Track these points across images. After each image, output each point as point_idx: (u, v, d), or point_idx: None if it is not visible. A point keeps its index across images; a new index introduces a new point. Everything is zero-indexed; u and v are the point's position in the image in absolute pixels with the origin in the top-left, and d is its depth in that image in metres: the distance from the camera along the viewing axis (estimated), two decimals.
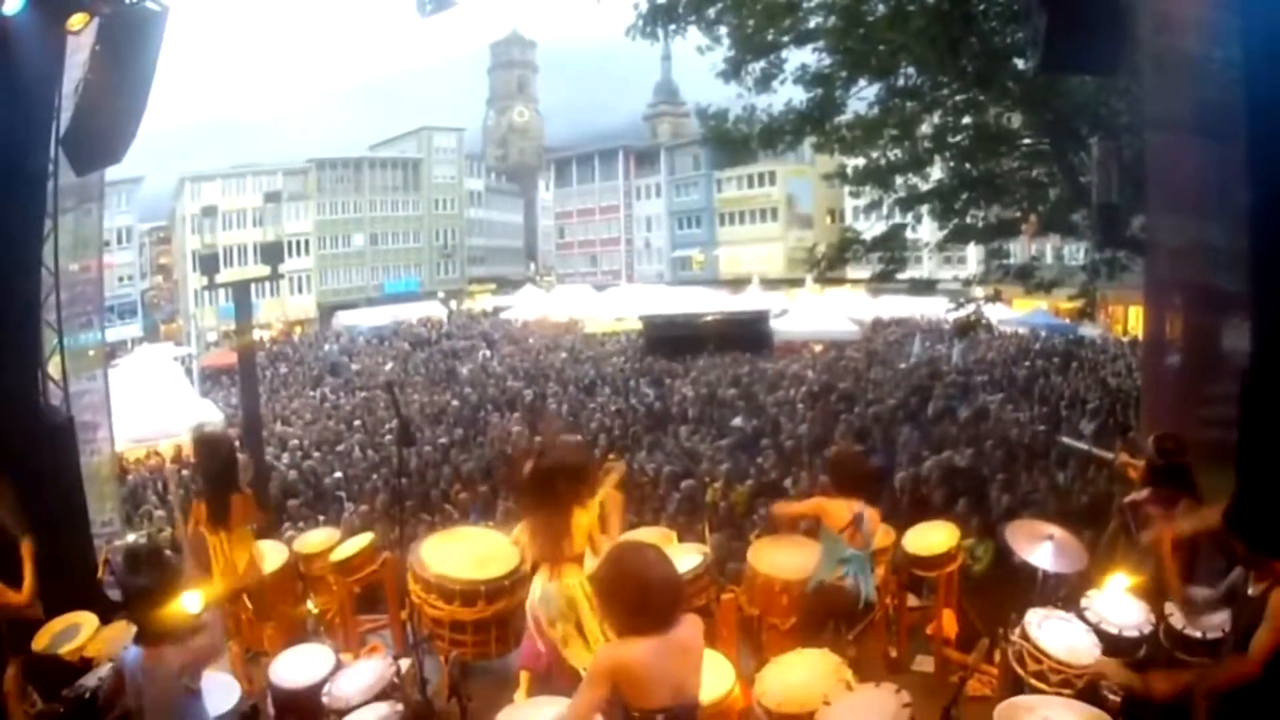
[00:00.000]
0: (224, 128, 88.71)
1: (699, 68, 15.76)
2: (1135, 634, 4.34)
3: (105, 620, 5.11)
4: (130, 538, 8.85)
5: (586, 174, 58.82)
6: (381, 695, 4.31)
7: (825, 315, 29.34)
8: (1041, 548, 5.07)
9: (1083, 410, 14.90)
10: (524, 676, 4.66)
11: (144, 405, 16.13)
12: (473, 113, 73.99)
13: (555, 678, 4.38)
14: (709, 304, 34.78)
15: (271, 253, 22.94)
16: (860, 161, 17.12)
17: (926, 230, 18.36)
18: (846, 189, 20.84)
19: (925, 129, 16.13)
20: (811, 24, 14.62)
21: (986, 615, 5.46)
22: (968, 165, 15.93)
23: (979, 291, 18.02)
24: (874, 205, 17.03)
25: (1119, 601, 4.52)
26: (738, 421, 15.50)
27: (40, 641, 4.99)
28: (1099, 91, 12.49)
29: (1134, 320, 25.72)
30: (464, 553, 5.17)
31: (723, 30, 14.64)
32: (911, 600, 5.99)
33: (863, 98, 15.39)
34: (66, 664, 4.74)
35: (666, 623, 2.98)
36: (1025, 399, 16.71)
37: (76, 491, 6.88)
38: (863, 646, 5.07)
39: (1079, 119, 13.07)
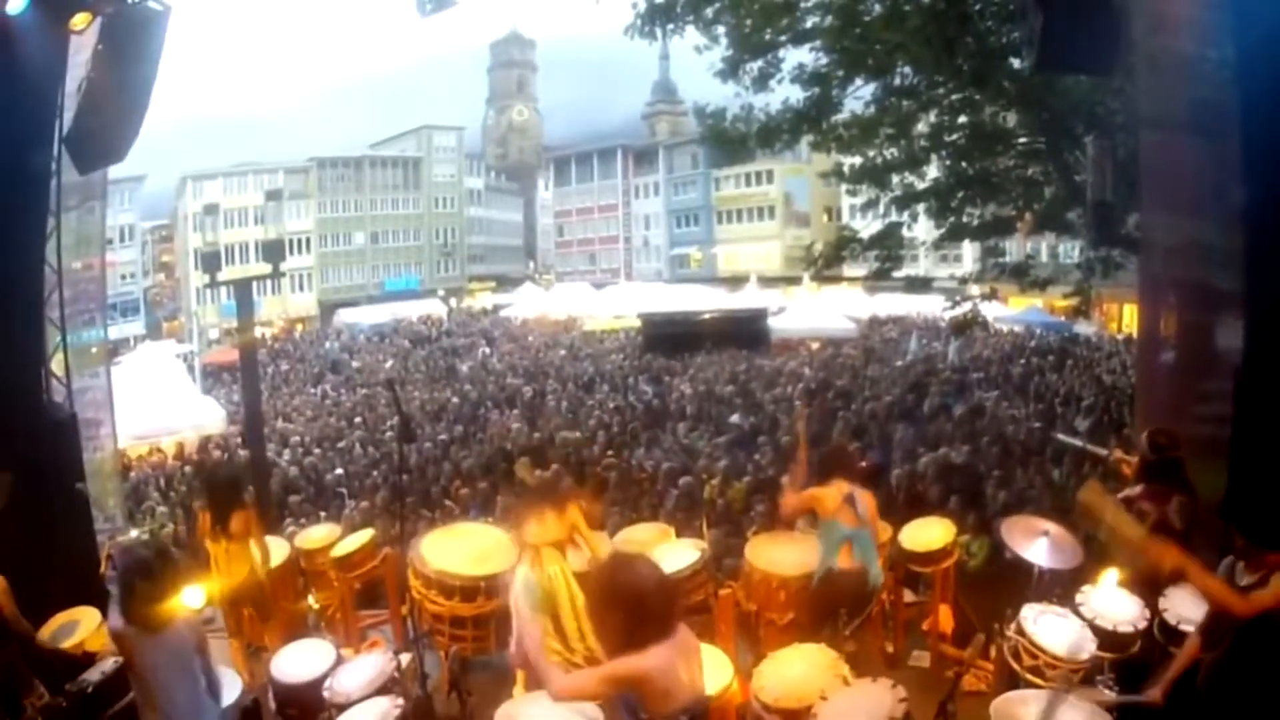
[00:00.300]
0: (226, 127, 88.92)
1: (697, 67, 15.76)
2: (1130, 629, 4.39)
3: (107, 615, 5.13)
4: (133, 534, 8.86)
5: (585, 172, 58.82)
6: (382, 690, 4.34)
7: (822, 313, 29.34)
8: (1037, 544, 5.10)
9: (1078, 407, 14.93)
10: (520, 674, 4.70)
11: (146, 402, 16.11)
12: (472, 112, 74.21)
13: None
14: (707, 302, 34.80)
15: (273, 251, 22.99)
16: (857, 160, 17.09)
17: (923, 228, 18.33)
18: (843, 187, 20.85)
19: (921, 128, 16.14)
20: (808, 24, 14.61)
21: (983, 611, 5.52)
22: (964, 164, 15.93)
23: (975, 289, 18.03)
24: (870, 204, 17.02)
25: (1114, 596, 4.57)
26: (735, 418, 15.53)
27: (42, 636, 5.02)
28: (1094, 91, 12.51)
29: (1128, 318, 25.78)
30: (464, 549, 5.21)
31: (720, 30, 14.62)
32: (908, 596, 6.04)
33: (859, 97, 15.39)
34: (71, 658, 4.76)
35: (669, 628, 2.99)
36: (1021, 396, 16.74)
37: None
38: (860, 642, 5.08)
39: (1074, 118, 13.10)
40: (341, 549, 6.21)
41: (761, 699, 4.06)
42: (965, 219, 16.54)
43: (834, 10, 14.16)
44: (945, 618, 5.77)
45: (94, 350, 8.74)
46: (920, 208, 16.65)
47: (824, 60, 14.84)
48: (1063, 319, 24.30)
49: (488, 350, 31.76)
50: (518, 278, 56.35)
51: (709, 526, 7.33)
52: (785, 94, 15.29)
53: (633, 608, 2.94)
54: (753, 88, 14.99)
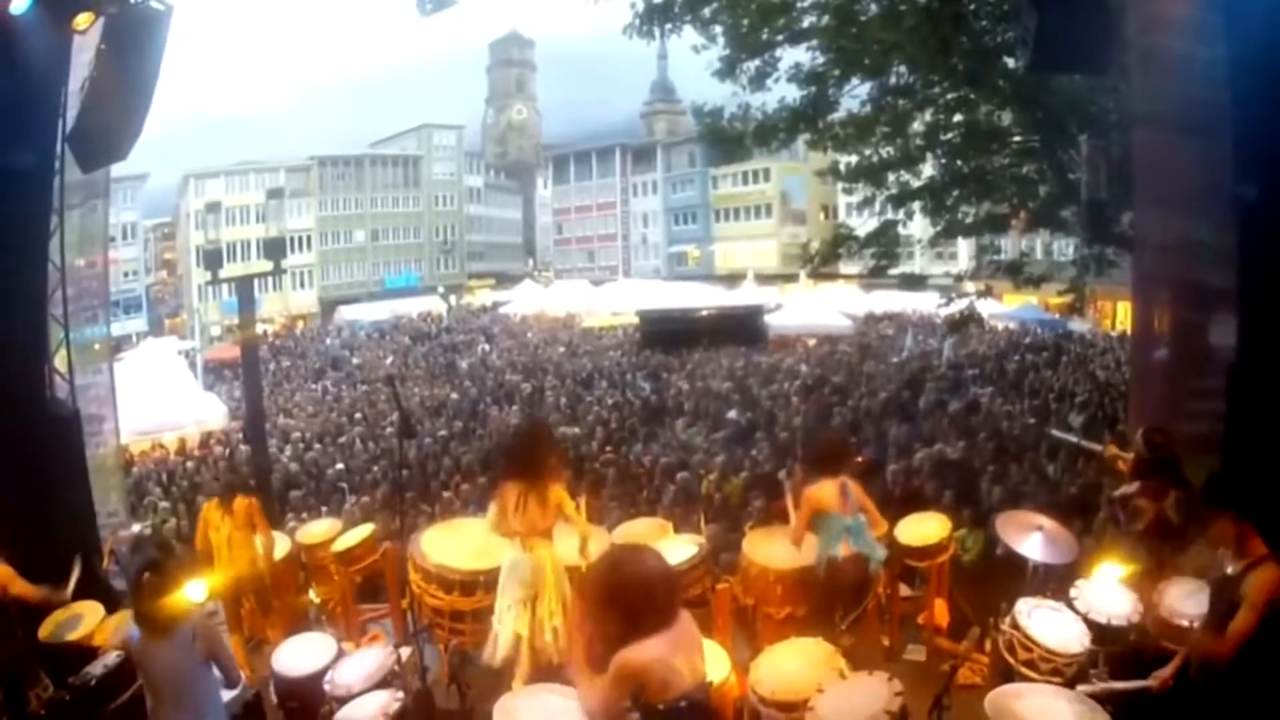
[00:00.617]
0: (227, 125, 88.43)
1: (695, 66, 15.78)
2: (1124, 623, 4.42)
3: (110, 609, 5.16)
4: (135, 528, 8.88)
5: (584, 171, 58.87)
6: (382, 683, 4.36)
7: (819, 310, 29.37)
8: (1031, 538, 5.15)
9: (1072, 403, 14.98)
10: (519, 669, 4.72)
11: (149, 398, 16.16)
12: (472, 110, 74.17)
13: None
14: (704, 299, 34.79)
15: (274, 248, 23.09)
16: (853, 158, 17.13)
17: (918, 226, 18.36)
18: (840, 186, 20.84)
19: (917, 126, 16.16)
20: (805, 23, 14.64)
21: (978, 605, 5.53)
22: (959, 162, 15.96)
23: (970, 287, 18.10)
24: (867, 202, 17.03)
25: (1108, 590, 4.60)
26: (733, 414, 15.55)
27: (45, 630, 5.05)
28: (1088, 90, 12.56)
29: (1122, 315, 25.89)
30: (463, 543, 5.24)
31: (718, 29, 14.65)
32: (904, 590, 6.05)
33: (855, 96, 15.44)
34: (74, 651, 4.79)
35: (670, 618, 3.01)
36: (1015, 392, 16.78)
37: (82, 482, 6.96)
38: (856, 635, 5.11)
39: (1068, 117, 13.14)
40: (342, 544, 6.23)
41: (759, 692, 4.09)
42: (960, 217, 16.58)
43: (830, 10, 14.20)
44: (941, 612, 5.81)
45: (97, 347, 8.74)
46: (916, 206, 16.68)
47: (820, 60, 14.87)
48: (1057, 316, 24.46)
49: (487, 347, 31.80)
50: (517, 275, 56.45)
51: (706, 521, 7.35)
52: (782, 93, 15.34)
53: (638, 599, 2.95)
54: (750, 87, 15.02)
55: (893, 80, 14.90)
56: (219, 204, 45.90)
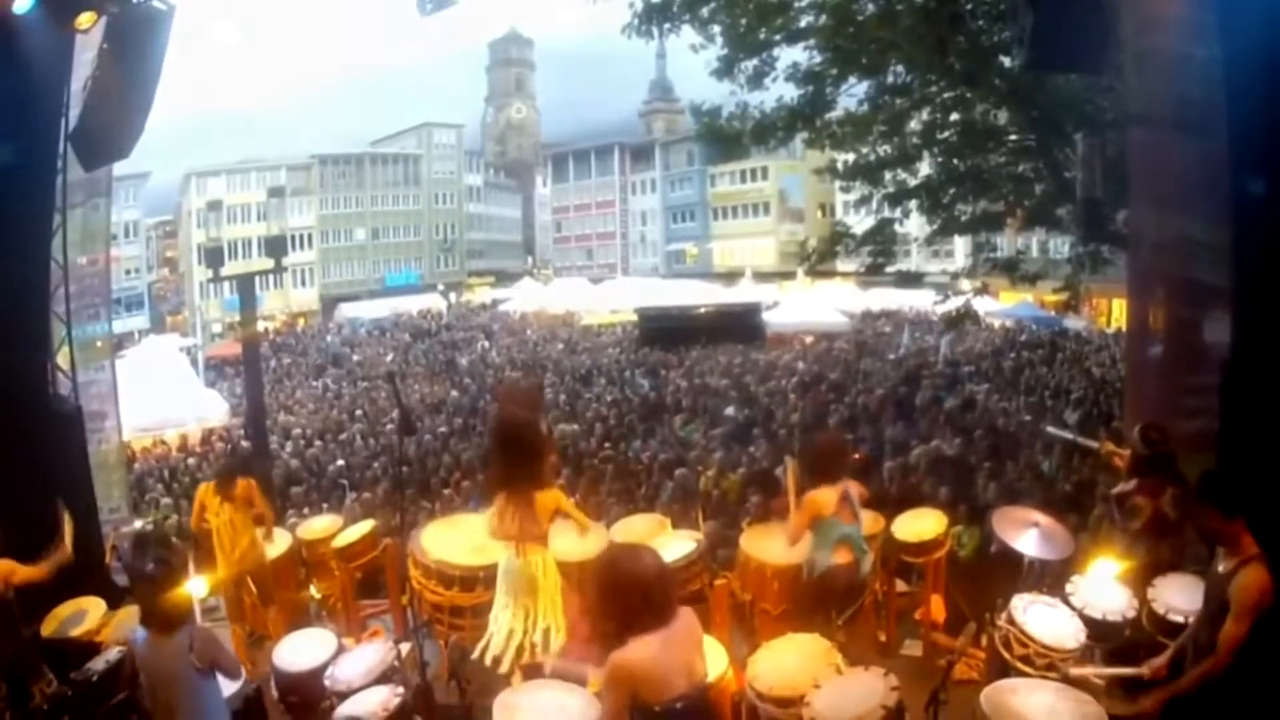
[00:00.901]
0: (229, 124, 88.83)
1: (693, 65, 15.87)
2: (1119, 619, 4.44)
3: (112, 605, 5.18)
4: (137, 524, 8.91)
5: (583, 169, 59.08)
6: (382, 678, 4.37)
7: (816, 307, 29.40)
8: (1027, 534, 5.17)
9: (1067, 400, 15.05)
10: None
11: (150, 395, 16.16)
12: (472, 109, 74.61)
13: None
14: (702, 296, 34.83)
15: (275, 246, 23.03)
16: (850, 157, 17.17)
17: (915, 224, 18.41)
18: (837, 184, 20.87)
19: (914, 125, 16.19)
20: (803, 23, 14.66)
21: (974, 600, 5.57)
22: (955, 161, 15.98)
23: (966, 284, 18.13)
24: (864, 200, 17.06)
25: (1103, 586, 4.62)
26: (730, 411, 15.60)
27: (49, 626, 5.07)
28: (1084, 89, 12.58)
29: (1117, 312, 25.97)
30: (463, 539, 5.24)
31: (716, 29, 14.68)
32: (900, 586, 6.09)
33: (853, 95, 15.48)
34: (76, 646, 4.81)
35: (668, 616, 3.04)
36: (1011, 389, 16.85)
37: (84, 479, 6.99)
38: (852, 631, 5.13)
39: (1064, 116, 13.16)
40: (343, 539, 6.25)
41: (756, 687, 4.11)
42: (957, 215, 16.61)
43: (828, 10, 14.21)
44: (937, 607, 5.85)
45: (99, 344, 8.75)
46: (913, 204, 16.70)
47: (818, 59, 14.90)
48: (1053, 313, 24.53)
49: (486, 344, 31.83)
50: (516, 273, 56.65)
51: (704, 518, 7.36)
52: (780, 92, 15.37)
53: (634, 596, 2.99)
54: (748, 86, 15.05)
55: (890, 79, 14.95)
56: (220, 202, 46.10)
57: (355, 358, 30.20)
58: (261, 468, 10.36)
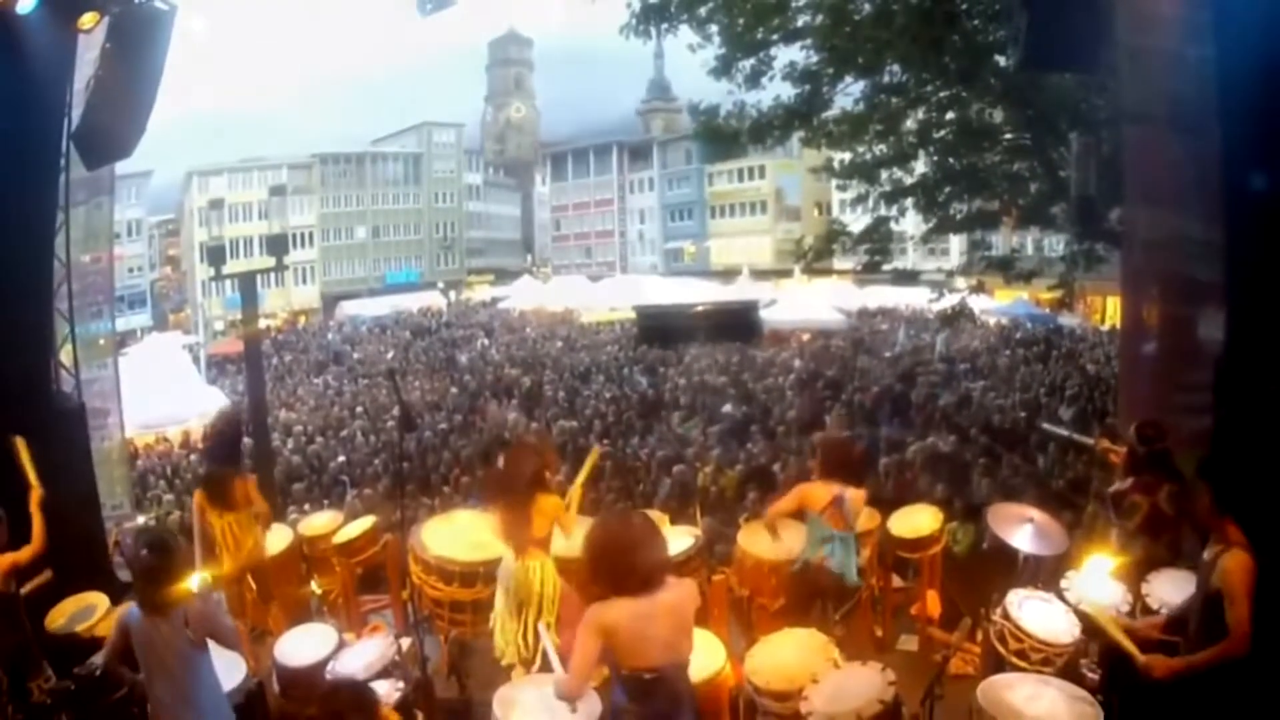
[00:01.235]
0: (230, 123, 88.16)
1: (691, 65, 15.92)
2: (1113, 613, 4.48)
3: (115, 600, 5.20)
4: (140, 520, 8.94)
5: (582, 168, 59.05)
6: (383, 673, 4.40)
7: (813, 305, 29.35)
8: (1022, 530, 5.21)
9: (1062, 397, 15.10)
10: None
11: (153, 392, 16.15)
12: (471, 109, 74.52)
13: None
14: (700, 294, 34.66)
15: (276, 244, 23.06)
16: (847, 156, 17.19)
17: (911, 223, 18.42)
18: (833, 183, 20.94)
19: (910, 124, 16.20)
20: (800, 22, 14.70)
21: (969, 596, 5.58)
22: (951, 160, 16.00)
23: (962, 282, 18.18)
24: (860, 199, 17.08)
25: (1097, 582, 4.64)
26: (728, 408, 15.63)
27: (55, 621, 5.08)
28: (1078, 88, 12.61)
29: (1112, 310, 26.00)
30: (463, 535, 5.27)
31: (713, 29, 14.73)
32: (896, 581, 6.13)
33: (849, 94, 15.48)
34: (79, 641, 4.83)
35: (651, 584, 3.12)
36: (1007, 386, 16.89)
37: (87, 475, 7.01)
38: (849, 626, 5.18)
39: (1059, 115, 13.19)
40: (344, 535, 6.27)
41: (754, 682, 4.15)
42: (952, 213, 16.64)
43: (824, 9, 14.25)
44: (933, 603, 5.87)
45: (102, 342, 8.80)
46: (908, 202, 16.73)
47: (814, 58, 14.92)
48: (1048, 311, 24.52)
49: (486, 341, 31.74)
50: (515, 271, 56.45)
51: (702, 514, 7.41)
52: (777, 91, 15.40)
53: (621, 558, 3.11)
54: (745, 85, 15.08)
55: (886, 79, 14.95)
56: (222, 201, 46.11)
57: (356, 355, 30.14)
58: (263, 467, 10.39)
